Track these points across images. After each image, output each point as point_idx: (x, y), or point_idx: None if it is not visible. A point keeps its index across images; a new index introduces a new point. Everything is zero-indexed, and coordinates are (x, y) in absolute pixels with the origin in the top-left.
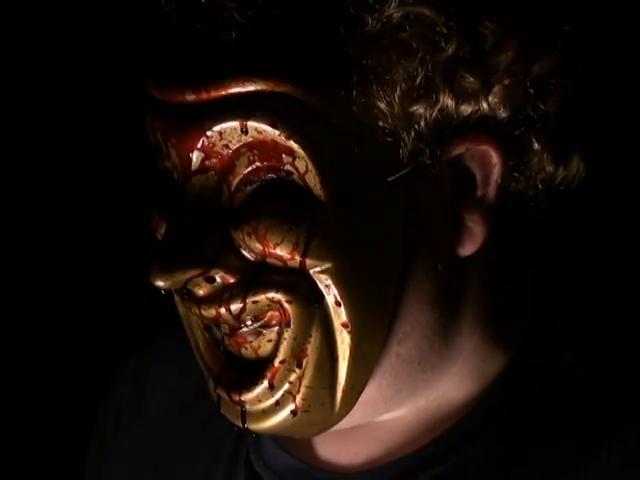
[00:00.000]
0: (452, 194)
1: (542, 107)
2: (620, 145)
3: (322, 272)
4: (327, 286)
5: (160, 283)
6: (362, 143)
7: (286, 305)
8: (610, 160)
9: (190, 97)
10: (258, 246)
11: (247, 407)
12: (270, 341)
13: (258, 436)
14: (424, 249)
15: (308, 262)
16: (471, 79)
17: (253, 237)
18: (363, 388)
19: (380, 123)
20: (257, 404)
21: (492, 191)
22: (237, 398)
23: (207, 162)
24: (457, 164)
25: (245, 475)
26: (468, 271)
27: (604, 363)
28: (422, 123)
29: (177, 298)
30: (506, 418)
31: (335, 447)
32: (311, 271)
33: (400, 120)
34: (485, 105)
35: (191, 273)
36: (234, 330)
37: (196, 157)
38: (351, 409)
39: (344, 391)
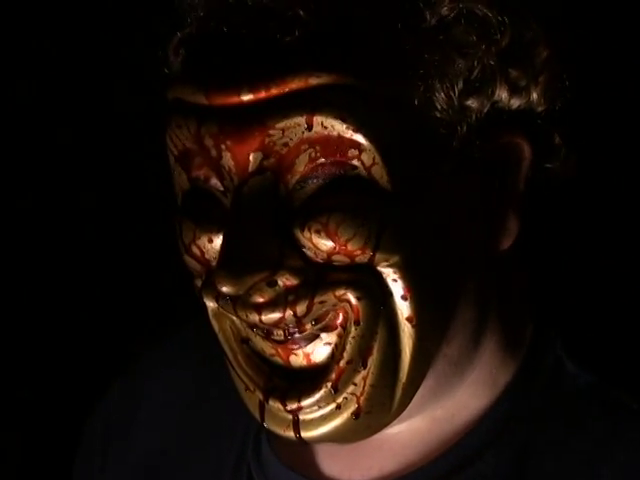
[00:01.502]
0: (491, 188)
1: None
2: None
3: (390, 266)
4: (394, 280)
5: (228, 289)
6: (421, 135)
7: (355, 302)
8: (601, 165)
9: (247, 97)
10: (328, 243)
11: (302, 415)
12: (328, 344)
13: (260, 453)
14: (472, 244)
15: (377, 256)
16: (520, 73)
17: (323, 234)
18: (419, 387)
19: (438, 115)
20: (316, 410)
21: (522, 185)
22: (294, 406)
23: (265, 162)
24: (496, 157)
25: None
26: (495, 271)
27: (606, 373)
28: (475, 115)
29: (212, 312)
30: (516, 429)
31: (346, 461)
32: (379, 266)
33: (456, 113)
34: (534, 97)
35: (258, 277)
36: (291, 335)
37: (254, 158)
38: (404, 409)
39: (404, 389)
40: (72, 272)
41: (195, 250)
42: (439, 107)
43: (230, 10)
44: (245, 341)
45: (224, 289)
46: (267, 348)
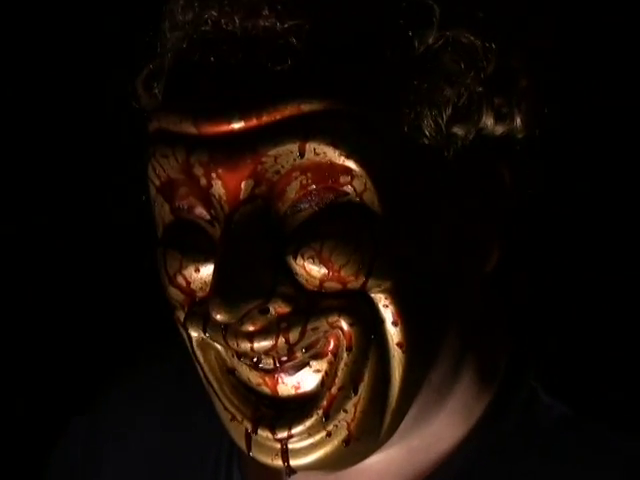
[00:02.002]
0: (475, 213)
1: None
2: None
3: (382, 291)
4: (385, 306)
5: (223, 317)
6: (410, 162)
7: (347, 328)
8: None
9: (238, 125)
10: (322, 270)
11: (291, 444)
12: (318, 372)
13: None
14: (459, 269)
15: (370, 282)
16: (504, 100)
17: (316, 260)
18: (406, 414)
19: (425, 141)
20: (306, 438)
21: (504, 206)
22: (285, 434)
23: (256, 190)
24: (479, 182)
25: None
26: (475, 299)
27: (581, 405)
28: (461, 142)
29: (197, 343)
30: (489, 462)
31: None
32: (371, 291)
33: (444, 139)
34: (518, 124)
35: (252, 304)
36: (281, 363)
37: (246, 186)
38: (391, 436)
39: (393, 415)
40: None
41: (180, 280)
42: (427, 134)
43: (218, 40)
44: (231, 372)
45: (218, 317)
46: (254, 378)
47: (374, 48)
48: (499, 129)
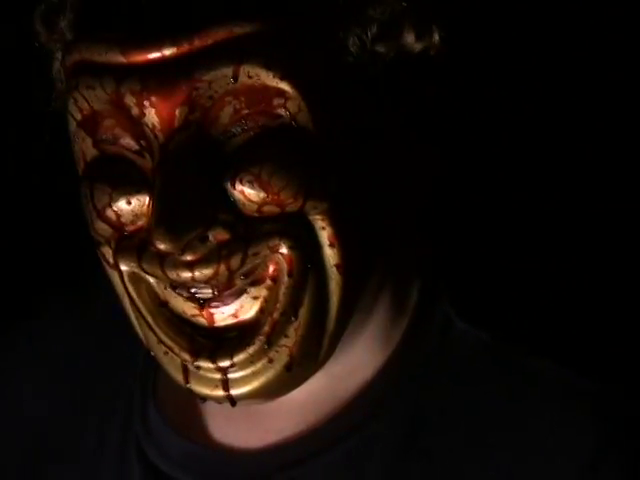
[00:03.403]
0: (402, 129)
1: None
2: None
3: (319, 213)
4: (322, 228)
5: (166, 247)
6: (339, 82)
7: (287, 252)
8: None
9: (169, 51)
10: (260, 194)
11: (231, 374)
12: (255, 298)
13: (149, 424)
14: (389, 190)
15: (307, 204)
16: (422, 18)
17: (255, 185)
18: (341, 337)
19: (351, 60)
20: (247, 366)
21: (429, 125)
22: (227, 364)
23: (190, 116)
24: (404, 97)
25: (140, 469)
26: (398, 222)
27: (492, 330)
28: (383, 60)
29: (128, 276)
30: (408, 388)
31: (243, 425)
32: (308, 214)
33: (368, 57)
34: (436, 40)
35: (194, 233)
36: (220, 292)
37: (180, 113)
38: (327, 361)
39: (330, 339)
40: None
41: (110, 214)
42: (354, 53)
43: None
44: (163, 304)
45: (162, 247)
46: (189, 309)
47: None
48: (418, 46)
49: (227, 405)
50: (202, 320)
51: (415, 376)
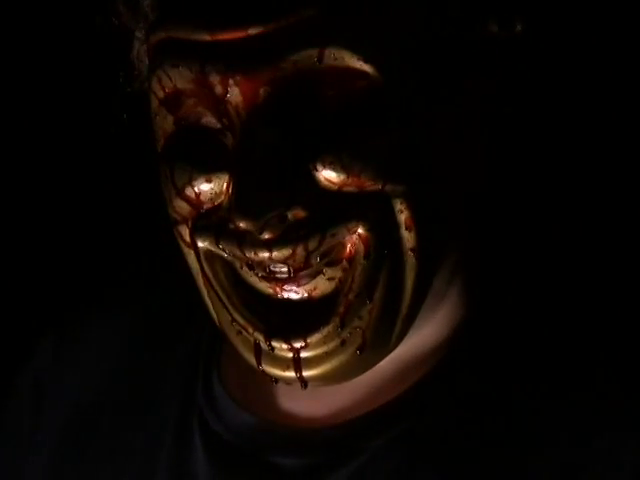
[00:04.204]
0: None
1: None
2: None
3: (397, 196)
4: (400, 211)
5: (246, 225)
6: (422, 67)
7: (365, 234)
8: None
9: (255, 31)
10: (341, 176)
11: (304, 353)
12: (332, 279)
13: (213, 397)
14: (466, 175)
15: (387, 186)
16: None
17: (337, 166)
18: (413, 321)
19: (431, 45)
20: (321, 346)
21: (500, 114)
22: (300, 344)
23: (274, 96)
24: (481, 86)
25: (201, 435)
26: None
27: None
28: (463, 46)
29: (204, 255)
30: (473, 369)
31: (307, 402)
32: (387, 195)
33: (448, 42)
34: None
35: (274, 212)
36: (296, 272)
37: (264, 92)
38: (399, 344)
39: (403, 322)
40: None
41: (189, 192)
42: (434, 38)
43: None
44: (240, 283)
45: (242, 224)
46: (264, 288)
47: None
48: (500, 34)
49: (288, 387)
50: (279, 296)
51: (478, 366)
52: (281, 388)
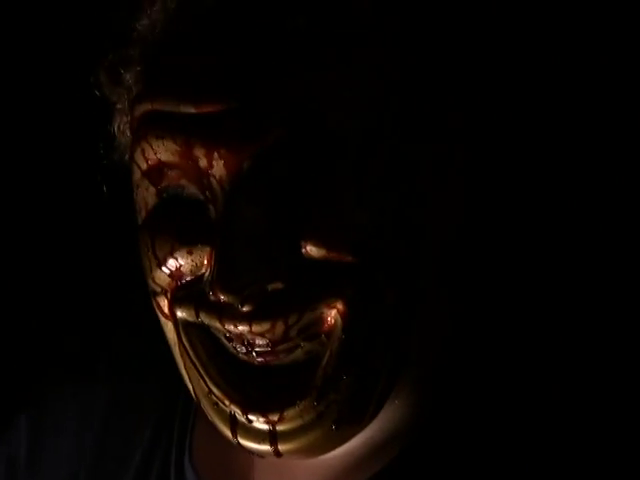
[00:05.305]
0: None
1: None
2: None
3: (379, 269)
4: (380, 284)
5: (227, 297)
6: (394, 126)
7: (344, 309)
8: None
9: (236, 103)
10: (321, 250)
11: (280, 426)
12: (309, 353)
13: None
14: (440, 246)
15: (368, 260)
16: None
17: (318, 241)
18: (387, 398)
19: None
20: (296, 420)
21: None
22: (275, 418)
23: (257, 169)
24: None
25: None
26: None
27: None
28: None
29: (183, 326)
30: (444, 449)
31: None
32: (369, 269)
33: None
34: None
35: (255, 285)
36: (275, 345)
37: (247, 165)
38: (373, 419)
39: (378, 398)
40: None
41: (171, 263)
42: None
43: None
44: (218, 353)
45: (223, 297)
46: (242, 356)
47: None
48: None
49: (263, 461)
50: (254, 365)
51: (449, 446)
52: (254, 471)
